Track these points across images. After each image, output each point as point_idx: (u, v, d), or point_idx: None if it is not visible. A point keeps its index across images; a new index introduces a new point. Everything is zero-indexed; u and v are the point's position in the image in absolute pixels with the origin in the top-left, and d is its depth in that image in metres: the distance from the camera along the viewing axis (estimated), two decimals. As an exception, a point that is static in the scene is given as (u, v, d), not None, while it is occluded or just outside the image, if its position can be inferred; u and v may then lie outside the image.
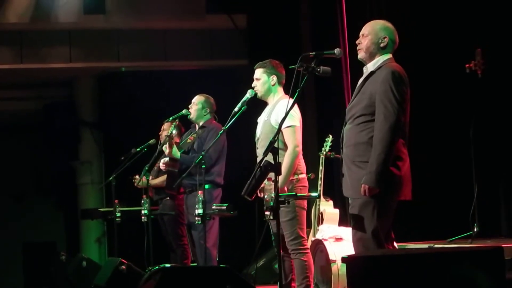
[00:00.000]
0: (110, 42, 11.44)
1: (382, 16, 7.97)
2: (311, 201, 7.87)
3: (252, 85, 6.60)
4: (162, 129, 8.78)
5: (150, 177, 8.44)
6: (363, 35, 5.39)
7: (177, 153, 7.73)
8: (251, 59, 10.06)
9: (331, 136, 8.00)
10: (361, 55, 5.39)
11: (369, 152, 5.12)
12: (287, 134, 6.27)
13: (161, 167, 8.37)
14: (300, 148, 6.29)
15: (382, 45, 5.33)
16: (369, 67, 5.34)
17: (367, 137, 5.19)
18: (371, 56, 5.35)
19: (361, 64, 5.43)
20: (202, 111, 7.96)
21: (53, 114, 12.64)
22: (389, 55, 5.34)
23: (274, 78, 6.54)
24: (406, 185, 5.22)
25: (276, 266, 7.40)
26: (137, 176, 8.87)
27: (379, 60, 5.32)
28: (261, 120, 6.57)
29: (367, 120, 5.21)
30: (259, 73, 6.58)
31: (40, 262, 11.82)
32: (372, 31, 5.35)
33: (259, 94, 6.58)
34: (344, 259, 4.24)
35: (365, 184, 5.08)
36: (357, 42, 5.42)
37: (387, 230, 5.24)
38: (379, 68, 5.27)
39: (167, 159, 8.06)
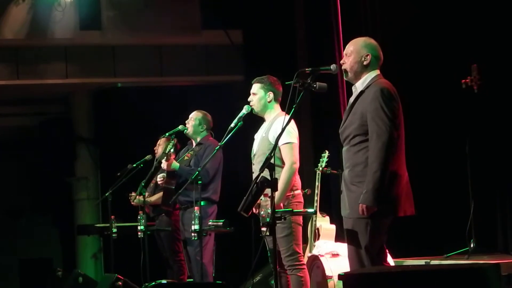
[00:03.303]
0: (106, 58, 11.43)
1: (377, 32, 8.00)
2: (308, 217, 7.85)
3: (248, 99, 6.58)
4: (157, 144, 8.78)
5: (147, 194, 8.42)
6: (346, 54, 5.36)
7: (176, 165, 7.72)
8: (247, 75, 10.06)
9: (327, 152, 7.99)
10: (346, 75, 5.37)
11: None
12: (285, 150, 6.26)
13: (158, 182, 8.35)
14: (297, 165, 6.28)
15: (365, 63, 5.30)
16: (358, 87, 5.32)
17: (363, 157, 5.17)
18: (357, 75, 5.32)
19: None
20: (199, 127, 7.97)
21: (49, 130, 12.63)
22: (376, 72, 5.32)
23: (270, 95, 6.52)
24: (406, 201, 5.20)
25: (273, 282, 7.37)
26: (133, 194, 8.86)
27: (366, 78, 5.29)
28: (258, 136, 6.55)
29: (362, 140, 5.20)
30: (256, 88, 6.57)
31: (36, 279, 11.78)
32: (354, 50, 5.32)
33: (255, 110, 6.56)
34: (340, 276, 4.23)
35: (363, 203, 5.06)
36: (341, 62, 5.41)
37: (380, 246, 5.22)
38: (368, 86, 5.25)
39: (163, 174, 8.04)
